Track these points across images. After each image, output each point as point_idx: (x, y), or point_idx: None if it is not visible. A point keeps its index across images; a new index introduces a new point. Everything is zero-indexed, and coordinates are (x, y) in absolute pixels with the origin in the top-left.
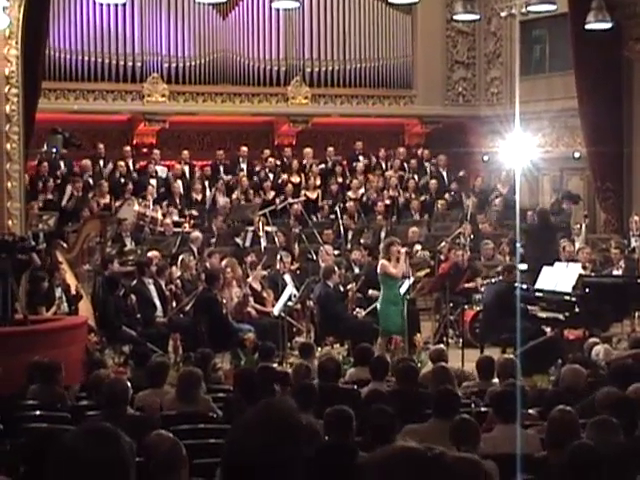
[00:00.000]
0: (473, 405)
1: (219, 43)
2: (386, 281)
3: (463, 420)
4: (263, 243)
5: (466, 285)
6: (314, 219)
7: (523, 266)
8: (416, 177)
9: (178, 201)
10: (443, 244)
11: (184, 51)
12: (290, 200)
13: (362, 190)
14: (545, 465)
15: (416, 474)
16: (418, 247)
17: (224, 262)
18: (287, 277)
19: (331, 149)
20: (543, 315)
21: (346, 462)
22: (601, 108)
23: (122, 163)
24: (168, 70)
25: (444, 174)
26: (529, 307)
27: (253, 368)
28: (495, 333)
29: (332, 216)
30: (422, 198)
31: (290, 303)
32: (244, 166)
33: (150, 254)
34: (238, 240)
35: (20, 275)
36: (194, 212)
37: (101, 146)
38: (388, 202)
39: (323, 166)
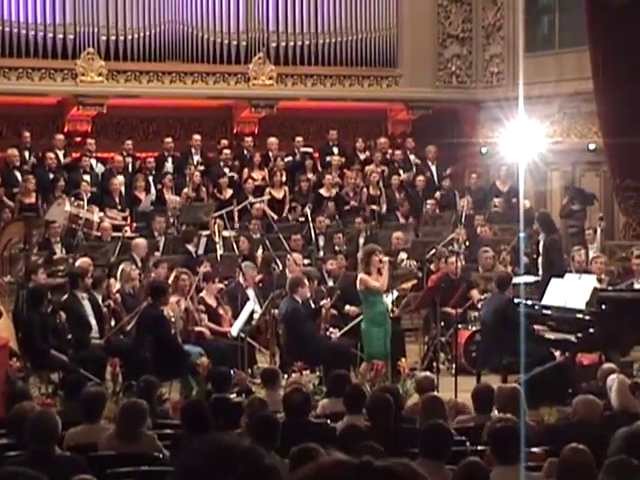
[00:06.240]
0: (468, 443)
1: (167, 12)
2: (368, 297)
3: (471, 464)
4: (220, 251)
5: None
6: (280, 222)
7: (529, 278)
8: (401, 173)
9: (118, 200)
10: (433, 252)
11: (125, 22)
12: (251, 199)
13: (337, 188)
14: None
15: None
16: (403, 256)
17: (174, 273)
18: (250, 291)
19: (300, 139)
20: (552, 336)
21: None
22: (621, 91)
23: (51, 155)
24: (106, 44)
25: (434, 169)
26: (535, 327)
27: (203, 400)
28: (495, 357)
29: (301, 219)
30: (406, 197)
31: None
32: (197, 158)
33: (80, 261)
34: (190, 247)
35: None
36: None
37: (27, 134)
38: (367, 202)
39: (290, 159)
